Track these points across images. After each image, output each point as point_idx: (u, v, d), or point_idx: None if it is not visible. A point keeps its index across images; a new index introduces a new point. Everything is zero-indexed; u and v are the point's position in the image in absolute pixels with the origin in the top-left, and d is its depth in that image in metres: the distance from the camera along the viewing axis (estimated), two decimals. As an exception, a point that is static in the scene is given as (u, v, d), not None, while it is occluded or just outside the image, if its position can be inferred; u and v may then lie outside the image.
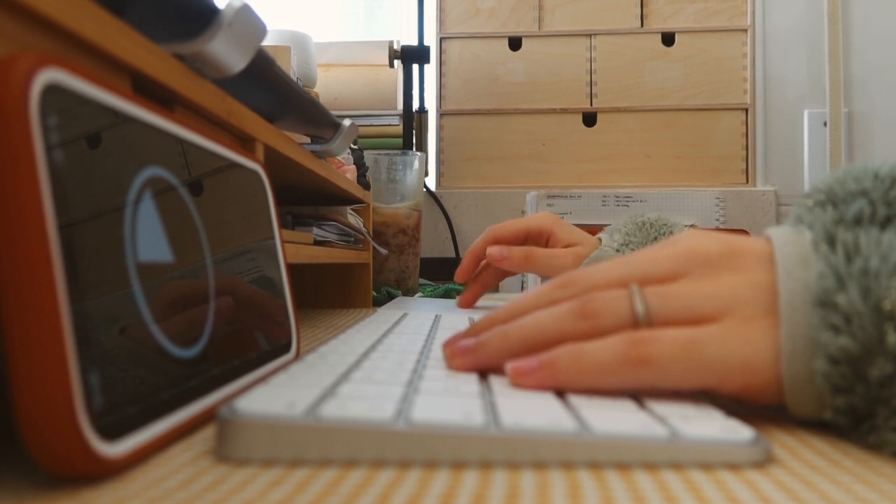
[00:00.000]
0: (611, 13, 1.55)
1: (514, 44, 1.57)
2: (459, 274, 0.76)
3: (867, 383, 0.24)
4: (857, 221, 0.28)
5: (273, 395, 0.23)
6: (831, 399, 0.25)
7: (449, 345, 0.32)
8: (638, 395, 0.27)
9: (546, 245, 0.74)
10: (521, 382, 0.28)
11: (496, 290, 1.29)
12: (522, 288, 1.33)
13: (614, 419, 0.23)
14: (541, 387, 0.27)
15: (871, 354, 0.23)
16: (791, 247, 0.27)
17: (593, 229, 0.82)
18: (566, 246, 0.73)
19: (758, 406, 0.28)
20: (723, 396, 0.27)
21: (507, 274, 0.77)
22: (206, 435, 0.24)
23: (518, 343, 0.29)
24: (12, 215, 0.18)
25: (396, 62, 1.36)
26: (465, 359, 0.31)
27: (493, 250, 0.70)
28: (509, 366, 0.28)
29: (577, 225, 0.78)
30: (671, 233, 0.70)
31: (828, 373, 0.24)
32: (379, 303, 0.92)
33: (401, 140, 1.34)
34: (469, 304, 0.76)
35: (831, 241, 0.26)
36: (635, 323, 0.28)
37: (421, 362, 0.32)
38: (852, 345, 0.23)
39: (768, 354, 0.26)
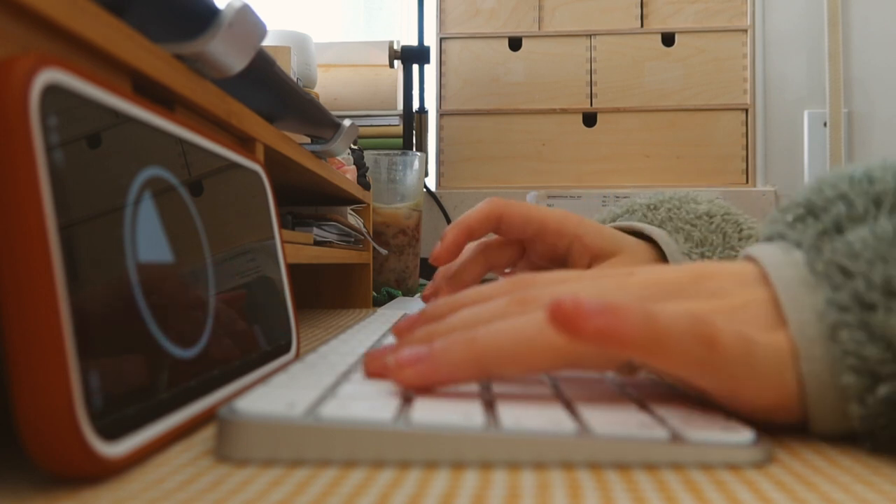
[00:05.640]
0: (611, 13, 1.55)
1: (514, 44, 1.57)
2: (441, 253, 0.50)
3: None
4: (838, 228, 0.26)
5: (273, 396, 0.23)
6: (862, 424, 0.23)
7: (382, 356, 0.28)
8: (638, 396, 0.27)
9: (566, 251, 0.50)
10: (403, 376, 0.25)
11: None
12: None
13: (614, 419, 0.23)
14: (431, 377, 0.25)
15: None
16: (785, 269, 0.26)
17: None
18: (596, 255, 0.50)
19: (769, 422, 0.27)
20: (733, 408, 0.26)
21: (492, 268, 0.54)
22: (206, 435, 0.24)
23: (492, 353, 0.25)
24: (12, 215, 0.18)
25: (396, 62, 1.36)
26: (414, 370, 0.26)
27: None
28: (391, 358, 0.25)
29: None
30: (741, 230, 0.53)
31: (861, 411, 0.23)
32: (379, 303, 0.92)
33: (401, 140, 1.34)
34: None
35: (824, 259, 0.25)
36: None
37: (421, 362, 0.32)
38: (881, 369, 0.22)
39: (784, 377, 0.24)
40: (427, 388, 0.25)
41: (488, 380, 0.28)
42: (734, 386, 0.24)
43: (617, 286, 0.28)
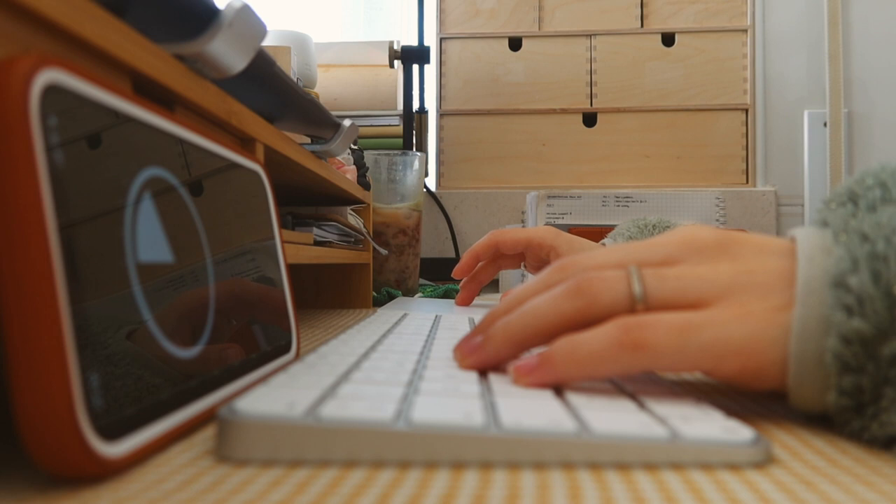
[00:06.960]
0: (611, 13, 1.55)
1: (514, 44, 1.57)
2: (458, 271, 0.77)
3: (878, 362, 0.24)
4: (872, 209, 0.28)
5: (273, 396, 0.23)
6: (838, 379, 0.25)
7: (459, 347, 0.32)
8: (638, 396, 0.27)
9: (547, 258, 0.73)
10: (524, 382, 0.28)
11: (497, 290, 1.29)
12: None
13: (614, 419, 0.23)
14: (542, 383, 0.27)
15: (885, 335, 0.23)
16: (814, 239, 0.27)
17: (593, 230, 0.82)
18: None
19: (754, 390, 0.28)
20: (719, 379, 0.27)
21: (501, 269, 0.78)
22: (206, 435, 0.24)
23: (519, 331, 0.30)
24: (12, 215, 0.18)
25: (396, 62, 1.36)
26: (473, 358, 0.31)
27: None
28: (511, 367, 0.29)
29: (577, 225, 0.78)
30: None
31: (839, 351, 0.24)
32: (379, 303, 0.92)
33: (401, 140, 1.34)
34: (467, 303, 0.78)
35: (847, 229, 0.26)
36: (632, 303, 0.28)
37: (421, 363, 0.32)
38: (865, 327, 0.24)
39: (769, 336, 0.26)
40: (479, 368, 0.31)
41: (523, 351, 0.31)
42: (699, 365, 0.26)
43: (646, 245, 0.30)
